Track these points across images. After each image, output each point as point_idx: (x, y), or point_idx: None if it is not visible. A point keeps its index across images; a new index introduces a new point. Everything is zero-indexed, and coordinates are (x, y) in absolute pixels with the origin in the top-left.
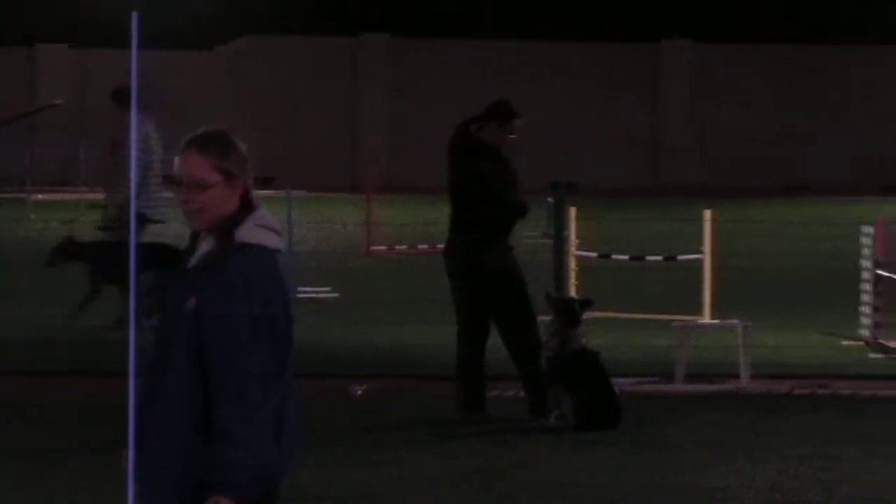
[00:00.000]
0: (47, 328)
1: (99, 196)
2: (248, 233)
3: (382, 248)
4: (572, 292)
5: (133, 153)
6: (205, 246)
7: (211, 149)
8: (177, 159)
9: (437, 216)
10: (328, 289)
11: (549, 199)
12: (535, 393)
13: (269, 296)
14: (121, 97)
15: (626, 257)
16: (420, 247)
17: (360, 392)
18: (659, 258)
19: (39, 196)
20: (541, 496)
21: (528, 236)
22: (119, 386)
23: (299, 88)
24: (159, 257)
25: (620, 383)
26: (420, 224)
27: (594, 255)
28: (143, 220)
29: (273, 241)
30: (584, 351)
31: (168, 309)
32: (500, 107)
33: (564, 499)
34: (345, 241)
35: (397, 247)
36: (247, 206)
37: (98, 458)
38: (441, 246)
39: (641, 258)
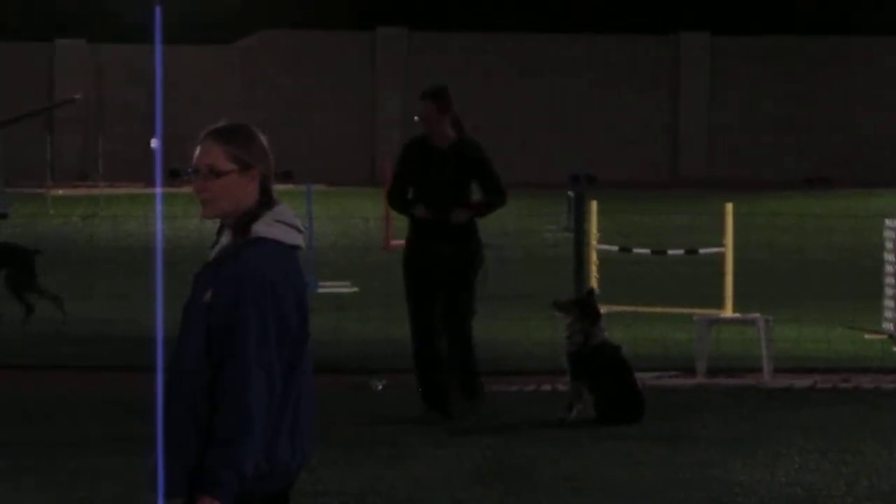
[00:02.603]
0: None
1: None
2: (264, 227)
3: (402, 242)
4: (593, 286)
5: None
6: (224, 240)
7: (228, 138)
8: (196, 150)
9: None
10: (347, 283)
11: (570, 193)
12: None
13: (280, 292)
14: None
15: (647, 251)
16: None
17: (380, 387)
18: (680, 252)
19: (59, 191)
20: (560, 491)
21: (549, 230)
22: (138, 381)
23: (317, 83)
24: None
25: (641, 377)
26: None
27: (615, 248)
28: None
29: (290, 237)
30: (606, 345)
31: (190, 302)
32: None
33: (584, 493)
34: (364, 236)
35: None
36: (266, 201)
37: (119, 452)
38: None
39: (662, 252)
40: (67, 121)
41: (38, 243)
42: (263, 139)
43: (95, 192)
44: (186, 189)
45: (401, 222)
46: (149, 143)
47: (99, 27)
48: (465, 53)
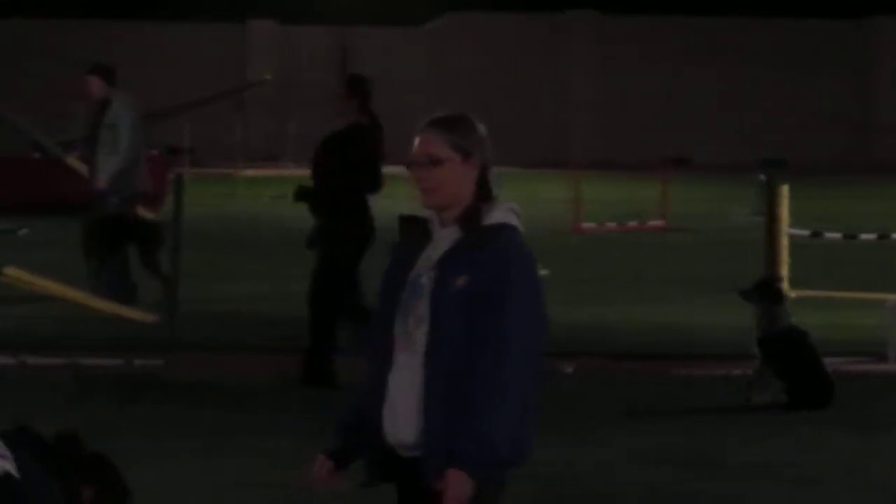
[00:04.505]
0: (258, 303)
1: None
2: (503, 214)
3: (590, 225)
4: (784, 271)
5: None
6: (448, 232)
7: (449, 127)
8: (416, 139)
9: (646, 193)
10: (538, 266)
11: (761, 177)
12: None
13: (537, 277)
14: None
15: (838, 235)
16: (629, 224)
17: (570, 371)
18: (872, 237)
19: (249, 172)
20: (752, 477)
21: (740, 214)
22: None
23: (504, 65)
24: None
25: (832, 363)
26: (628, 201)
27: (806, 233)
28: None
29: (520, 226)
30: (794, 330)
31: (416, 288)
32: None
33: (775, 479)
34: (552, 219)
35: (607, 223)
36: (485, 191)
37: (295, 437)
38: (651, 223)
39: (854, 237)
40: (258, 102)
41: (227, 224)
42: (482, 128)
43: (285, 173)
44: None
45: (589, 206)
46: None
47: (290, 8)
48: (653, 36)
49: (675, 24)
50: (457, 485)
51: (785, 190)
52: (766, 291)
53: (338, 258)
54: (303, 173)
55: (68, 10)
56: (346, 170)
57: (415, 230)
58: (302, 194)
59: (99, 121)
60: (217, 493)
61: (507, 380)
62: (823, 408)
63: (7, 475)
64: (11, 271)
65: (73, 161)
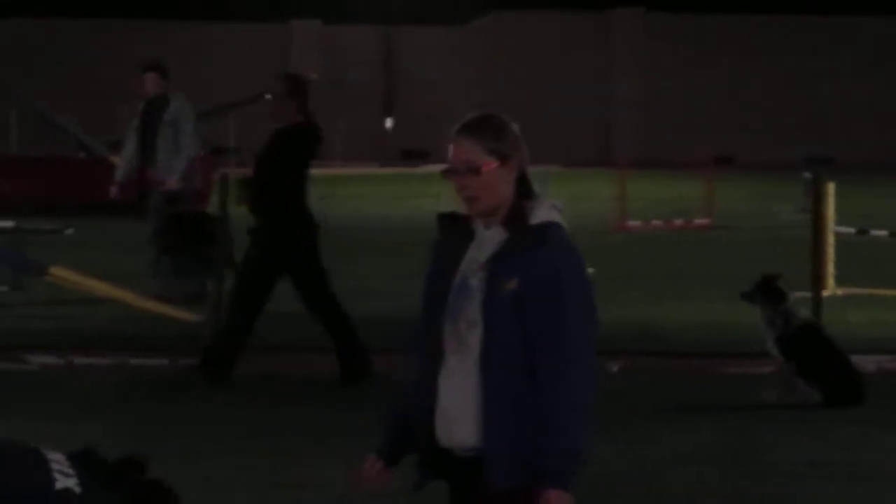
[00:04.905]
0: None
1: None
2: (547, 213)
3: (635, 223)
4: (830, 268)
5: None
6: (493, 233)
7: (482, 132)
8: (450, 147)
9: (691, 191)
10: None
11: (807, 175)
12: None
13: (587, 276)
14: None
15: (884, 233)
16: (675, 222)
17: (615, 369)
18: None
19: None
20: (797, 475)
21: (785, 211)
22: (378, 362)
23: (549, 64)
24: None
25: (877, 360)
26: (674, 199)
27: (852, 230)
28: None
29: (564, 224)
30: (808, 324)
31: (465, 290)
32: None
33: (823, 477)
34: (597, 217)
35: (652, 221)
36: (526, 189)
37: (341, 436)
38: (697, 221)
39: None
40: None
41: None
42: (515, 127)
43: (331, 171)
44: (420, 170)
45: (634, 204)
46: (383, 124)
47: (334, 7)
48: (699, 34)
49: (721, 22)
50: (560, 501)
51: (831, 188)
52: (768, 291)
53: (266, 258)
54: (349, 171)
55: (112, 11)
56: (293, 169)
57: (456, 229)
58: (243, 194)
59: (156, 118)
60: (262, 493)
61: (575, 385)
62: (857, 403)
63: (67, 489)
64: (58, 271)
65: (118, 160)
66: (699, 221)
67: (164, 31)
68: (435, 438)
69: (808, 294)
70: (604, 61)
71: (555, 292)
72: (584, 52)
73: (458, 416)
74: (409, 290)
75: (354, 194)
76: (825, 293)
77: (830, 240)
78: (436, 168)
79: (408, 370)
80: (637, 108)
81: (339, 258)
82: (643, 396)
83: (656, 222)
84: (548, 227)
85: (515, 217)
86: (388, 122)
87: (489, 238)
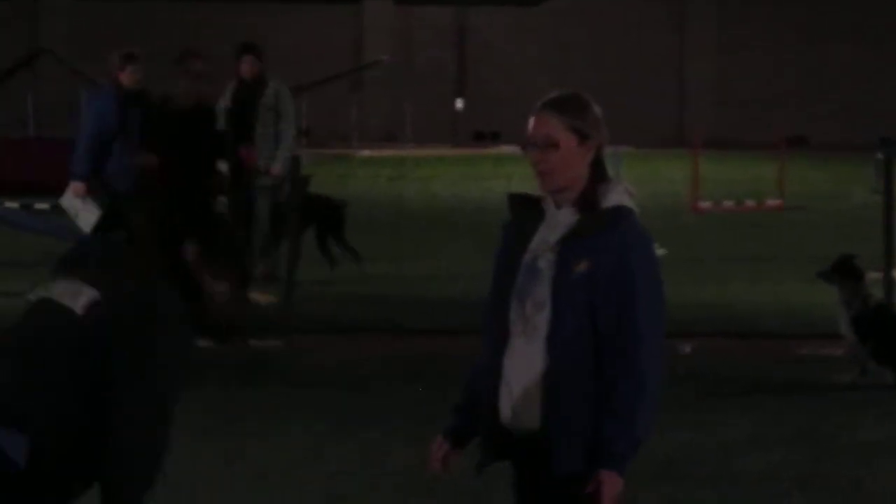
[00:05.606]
0: (375, 284)
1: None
2: (621, 196)
3: (707, 204)
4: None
5: None
6: (564, 214)
7: (565, 109)
8: (530, 120)
9: (764, 172)
10: (656, 245)
11: (879, 156)
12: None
13: (656, 258)
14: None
15: None
16: (747, 203)
17: (688, 350)
18: None
19: (366, 152)
20: (864, 457)
21: (857, 193)
22: (450, 344)
23: (623, 44)
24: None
25: None
26: (746, 180)
27: None
28: None
29: (636, 209)
30: (883, 304)
31: (534, 272)
32: None
33: (890, 460)
34: (670, 198)
35: (724, 203)
36: (601, 172)
37: (408, 419)
38: (769, 202)
39: None
40: (375, 82)
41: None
42: (598, 109)
43: (403, 153)
44: (492, 151)
45: (706, 185)
46: (454, 105)
47: None
48: (772, 15)
49: (795, 3)
50: (613, 485)
51: None
52: (846, 270)
53: None
54: (420, 153)
55: None
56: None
57: (527, 209)
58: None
59: (253, 100)
60: (332, 474)
61: (645, 371)
62: None
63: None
64: None
65: None
66: (771, 203)
67: (240, 12)
68: (499, 419)
69: (879, 275)
70: (677, 42)
71: (625, 277)
72: (657, 32)
73: (522, 396)
74: (482, 272)
75: (426, 175)
76: None
77: None
78: (508, 149)
79: (477, 352)
80: (710, 89)
81: (411, 240)
82: (715, 378)
83: (728, 203)
84: (620, 211)
85: (588, 199)
86: (459, 103)
87: (560, 219)
